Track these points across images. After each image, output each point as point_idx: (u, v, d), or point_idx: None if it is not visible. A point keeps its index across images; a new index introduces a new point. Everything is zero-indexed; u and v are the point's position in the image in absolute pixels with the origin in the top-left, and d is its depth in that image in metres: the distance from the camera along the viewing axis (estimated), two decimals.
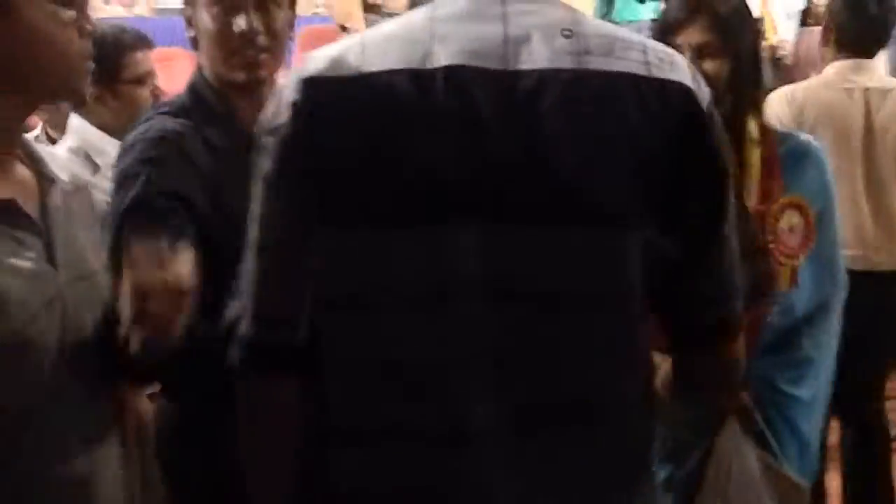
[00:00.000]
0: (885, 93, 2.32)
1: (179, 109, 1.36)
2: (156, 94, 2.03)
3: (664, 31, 1.50)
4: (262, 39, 1.31)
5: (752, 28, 1.58)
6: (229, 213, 1.16)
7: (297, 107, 0.86)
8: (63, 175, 1.13)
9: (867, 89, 2.31)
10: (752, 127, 1.52)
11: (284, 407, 0.90)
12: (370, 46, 0.86)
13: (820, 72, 2.48)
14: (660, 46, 0.91)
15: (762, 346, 1.46)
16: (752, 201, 1.48)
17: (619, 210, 0.84)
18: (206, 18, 1.32)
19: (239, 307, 0.90)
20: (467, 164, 0.83)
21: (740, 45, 1.49)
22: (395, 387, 0.86)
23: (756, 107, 1.55)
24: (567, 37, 0.85)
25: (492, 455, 0.85)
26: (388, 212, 0.84)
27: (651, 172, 0.84)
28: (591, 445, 0.88)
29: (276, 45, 1.34)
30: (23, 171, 1.08)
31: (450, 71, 0.83)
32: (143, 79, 2.01)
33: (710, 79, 1.28)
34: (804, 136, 1.64)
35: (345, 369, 0.88)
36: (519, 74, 0.83)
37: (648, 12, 4.60)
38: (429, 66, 0.83)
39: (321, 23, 6.28)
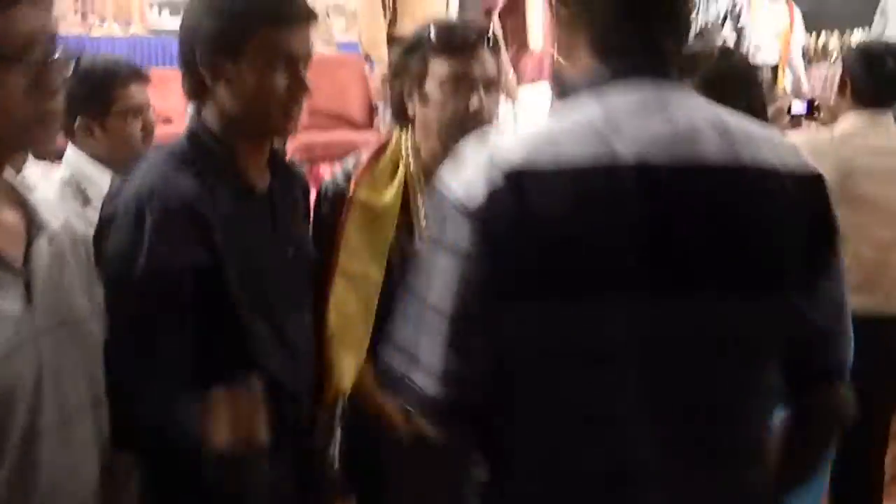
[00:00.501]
0: None
1: (184, 159, 1.33)
2: (147, 127, 1.96)
3: None
4: (486, 117, 1.53)
5: (748, 90, 1.65)
6: (241, 270, 1.27)
7: (495, 191, 0.96)
8: (55, 222, 1.11)
9: None
10: None
11: (459, 455, 1.05)
12: (559, 139, 0.98)
13: (834, 119, 2.51)
14: (782, 137, 1.12)
15: None
16: None
17: (772, 276, 1.01)
18: (437, 94, 1.53)
19: (404, 360, 1.01)
20: (645, 243, 0.96)
21: (735, 108, 1.49)
22: (570, 434, 1.00)
23: None
24: (722, 131, 1.00)
25: (653, 493, 1.00)
26: (573, 284, 0.96)
27: (796, 240, 1.01)
28: (739, 488, 1.04)
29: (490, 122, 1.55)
30: (8, 216, 1.06)
31: (634, 162, 0.96)
32: (133, 112, 1.95)
33: None
34: None
35: (525, 419, 1.01)
36: (691, 165, 0.98)
37: None
38: (613, 157, 0.96)
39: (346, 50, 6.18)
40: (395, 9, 4.00)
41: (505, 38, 4.28)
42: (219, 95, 1.34)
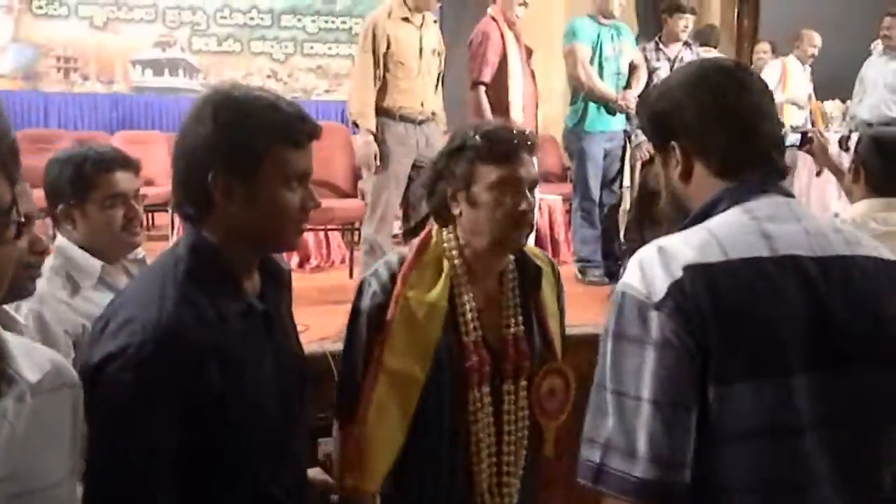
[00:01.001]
0: None
1: (191, 281, 1.28)
2: (131, 215, 1.89)
3: (648, 198, 1.77)
4: (532, 217, 1.63)
5: None
6: (244, 391, 1.27)
7: (674, 284, 1.10)
8: (34, 373, 1.00)
9: None
10: None
11: None
12: (723, 240, 1.15)
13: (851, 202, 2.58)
14: (860, 234, 1.27)
15: None
16: None
17: None
18: (486, 197, 1.59)
19: (615, 454, 1.10)
20: (811, 327, 1.12)
21: None
22: (765, 498, 1.12)
23: None
24: (835, 231, 1.21)
25: None
26: (763, 366, 1.09)
27: None
28: None
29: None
30: None
31: (786, 258, 1.14)
32: (114, 199, 1.86)
33: None
34: None
35: (724, 495, 1.11)
36: (828, 259, 1.16)
37: (618, 124, 4.72)
38: (770, 254, 1.13)
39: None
40: (384, 79, 4.03)
41: (492, 110, 4.35)
42: (227, 212, 1.29)
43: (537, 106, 4.59)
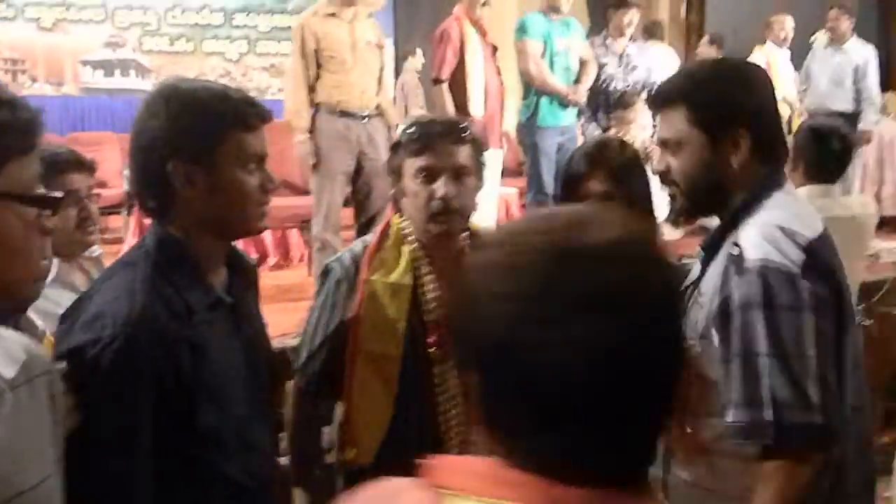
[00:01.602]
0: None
1: (156, 268, 1.31)
2: (85, 214, 1.91)
3: (570, 182, 1.77)
4: (455, 203, 1.65)
5: (643, 176, 1.79)
6: (212, 380, 1.30)
7: (813, 256, 1.33)
8: (10, 368, 0.98)
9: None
10: None
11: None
12: (805, 217, 1.41)
13: None
14: None
15: None
16: None
17: None
18: (412, 187, 1.66)
19: (788, 408, 1.26)
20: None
21: (635, 191, 1.74)
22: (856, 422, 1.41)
23: None
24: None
25: None
26: (851, 315, 1.41)
27: None
28: None
29: (465, 208, 1.69)
30: None
31: (826, 229, 1.42)
32: (68, 199, 1.85)
33: None
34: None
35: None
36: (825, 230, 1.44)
37: (569, 118, 4.80)
38: (823, 226, 1.42)
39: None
40: (320, 76, 4.10)
41: (455, 105, 4.43)
42: (189, 202, 1.31)
43: (503, 101, 4.65)
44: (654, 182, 4.38)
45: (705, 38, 6.50)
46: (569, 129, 4.83)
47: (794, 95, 6.17)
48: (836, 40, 5.89)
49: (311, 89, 4.10)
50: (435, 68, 4.48)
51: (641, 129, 4.87)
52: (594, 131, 4.90)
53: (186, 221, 1.32)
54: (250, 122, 1.33)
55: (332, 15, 4.14)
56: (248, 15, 8.65)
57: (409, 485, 0.71)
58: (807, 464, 1.29)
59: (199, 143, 1.29)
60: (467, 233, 1.74)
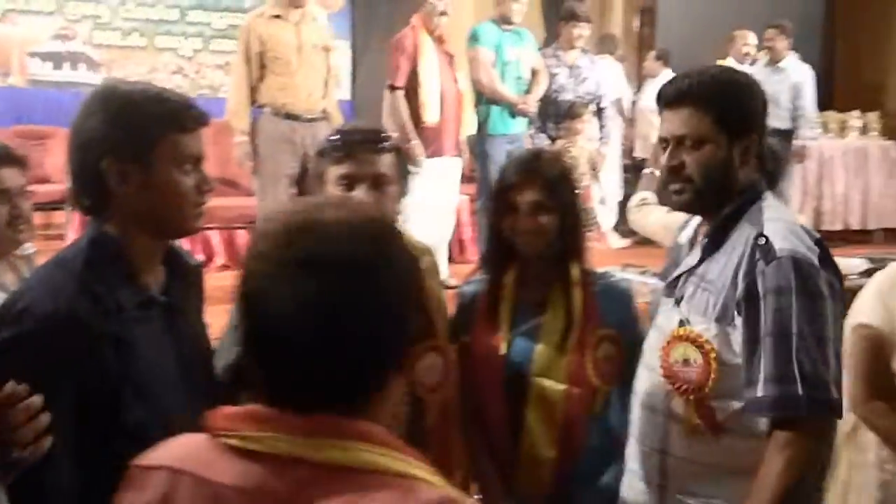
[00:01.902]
0: None
1: (87, 266, 1.32)
2: (17, 212, 1.88)
3: (504, 190, 1.79)
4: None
5: (573, 189, 1.86)
6: (139, 378, 1.30)
7: (825, 252, 1.51)
8: None
9: None
10: (575, 271, 1.78)
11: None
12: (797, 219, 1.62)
13: None
14: None
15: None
16: (575, 334, 1.74)
17: None
18: (333, 192, 1.67)
19: (813, 385, 1.41)
20: None
21: (565, 202, 1.78)
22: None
23: (578, 253, 1.81)
24: None
25: None
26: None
27: None
28: None
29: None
30: None
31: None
32: None
33: (544, 231, 1.73)
34: (615, 276, 1.88)
35: None
36: None
37: (519, 126, 4.88)
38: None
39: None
40: (264, 77, 4.13)
41: (411, 113, 4.49)
42: (124, 200, 1.33)
43: (460, 108, 4.72)
44: (598, 194, 4.43)
45: (652, 54, 6.63)
46: (518, 138, 4.90)
47: None
48: (774, 59, 6.07)
49: (254, 90, 4.10)
50: (390, 76, 4.54)
51: (588, 140, 4.96)
52: (543, 141, 4.97)
53: (122, 220, 1.34)
54: (186, 124, 1.36)
55: (278, 17, 4.16)
56: (203, 12, 8.55)
57: (192, 435, 0.89)
58: (820, 437, 1.48)
59: (135, 142, 1.31)
60: None
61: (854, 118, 6.93)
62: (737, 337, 1.47)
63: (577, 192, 1.86)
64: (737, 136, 1.54)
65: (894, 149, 6.79)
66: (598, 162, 5.02)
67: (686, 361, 1.51)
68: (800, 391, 1.39)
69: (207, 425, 0.87)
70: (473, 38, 4.81)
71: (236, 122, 4.11)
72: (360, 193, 1.65)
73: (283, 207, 0.91)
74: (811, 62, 7.11)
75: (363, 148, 1.68)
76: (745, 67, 6.21)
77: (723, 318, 1.49)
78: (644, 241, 4.52)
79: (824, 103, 7.42)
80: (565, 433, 1.73)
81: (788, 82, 5.96)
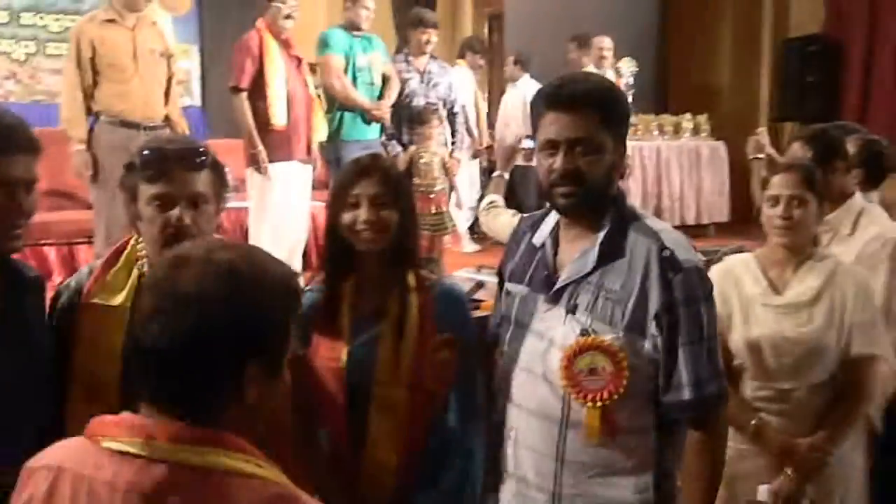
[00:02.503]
0: None
1: None
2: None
3: (343, 186, 1.77)
4: (192, 230, 1.61)
5: (411, 191, 1.89)
6: None
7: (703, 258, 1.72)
8: None
9: None
10: (411, 277, 1.80)
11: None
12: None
13: None
14: None
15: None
16: (413, 340, 1.74)
17: None
18: (146, 212, 1.63)
19: (716, 381, 1.61)
20: None
21: (405, 200, 1.79)
22: None
23: (414, 257, 1.83)
24: None
25: None
26: None
27: None
28: None
29: (202, 235, 1.63)
30: None
31: None
32: None
33: (384, 225, 1.72)
34: (449, 281, 1.90)
35: None
36: None
37: (373, 133, 4.93)
38: None
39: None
40: (98, 83, 3.97)
41: (255, 115, 4.39)
42: None
43: (311, 112, 4.65)
44: (453, 198, 4.45)
45: (510, 59, 6.81)
46: (373, 144, 4.90)
47: None
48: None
49: (90, 97, 3.94)
50: (234, 77, 4.43)
51: (439, 145, 5.06)
52: (396, 148, 5.03)
53: None
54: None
55: (112, 21, 4.00)
56: (37, 15, 8.06)
57: (74, 439, 1.04)
58: (725, 423, 1.74)
59: None
60: None
61: (686, 120, 7.40)
62: (645, 345, 1.55)
63: (413, 195, 1.87)
64: (619, 141, 1.60)
65: (723, 148, 7.31)
66: (451, 166, 5.13)
67: (593, 370, 1.54)
68: (715, 390, 1.59)
69: (88, 430, 1.03)
70: (323, 44, 4.80)
71: (72, 130, 3.92)
72: (175, 213, 1.61)
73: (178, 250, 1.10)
74: (647, 67, 7.56)
75: (179, 166, 1.63)
76: (603, 72, 6.50)
77: (634, 328, 1.55)
78: (497, 243, 4.66)
79: (660, 107, 7.91)
80: (408, 438, 1.75)
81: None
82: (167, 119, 4.13)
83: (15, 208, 1.37)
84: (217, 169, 1.71)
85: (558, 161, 1.56)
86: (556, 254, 1.67)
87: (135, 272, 1.68)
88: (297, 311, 1.12)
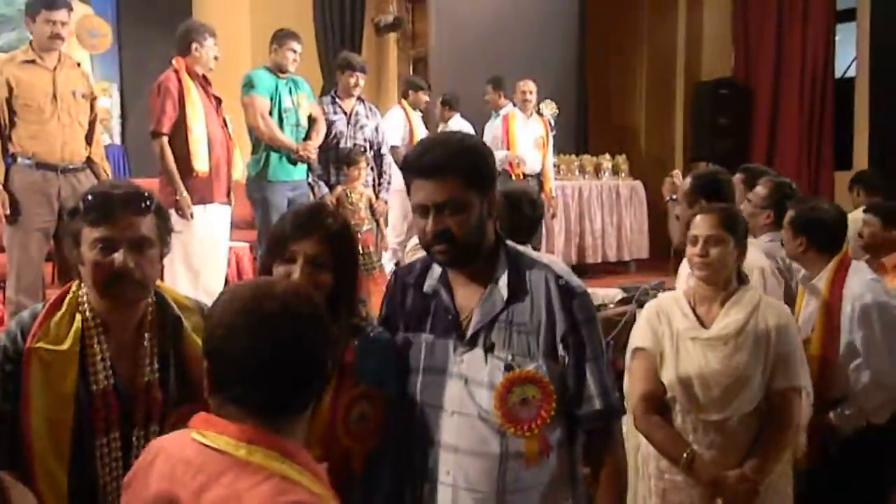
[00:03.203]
0: None
1: None
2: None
3: (281, 239, 1.70)
4: (135, 274, 1.63)
5: (353, 244, 1.81)
6: None
7: None
8: None
9: None
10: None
11: None
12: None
13: None
14: None
15: None
16: (328, 396, 1.64)
17: None
18: (88, 255, 1.62)
19: (611, 388, 1.75)
20: None
21: (344, 258, 1.73)
22: None
23: (347, 310, 1.74)
24: None
25: None
26: None
27: None
28: None
29: (145, 278, 1.66)
30: None
31: None
32: None
33: (320, 287, 1.65)
34: (375, 329, 1.81)
35: None
36: None
37: (300, 173, 4.92)
38: None
39: None
40: (14, 124, 3.86)
41: (177, 159, 4.28)
42: None
43: (230, 153, 4.56)
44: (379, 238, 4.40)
45: (438, 100, 6.91)
46: (300, 185, 4.90)
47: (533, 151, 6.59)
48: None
49: (7, 138, 3.83)
50: (154, 122, 4.30)
51: (365, 185, 5.07)
52: (323, 189, 5.01)
53: None
54: None
55: (32, 62, 3.91)
56: None
57: (181, 431, 1.30)
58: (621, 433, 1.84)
59: None
60: (151, 301, 1.71)
61: (606, 160, 7.63)
62: (558, 367, 1.68)
63: (355, 247, 1.82)
64: (484, 194, 1.69)
65: (641, 188, 7.56)
66: (378, 207, 5.14)
67: (524, 401, 1.63)
68: (617, 397, 1.75)
69: (191, 422, 1.28)
70: (248, 86, 4.77)
71: None
72: (118, 257, 1.60)
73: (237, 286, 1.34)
74: (568, 109, 7.77)
75: (123, 210, 1.62)
76: (526, 114, 6.65)
77: (549, 354, 1.68)
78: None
79: (580, 147, 8.13)
80: None
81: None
82: (90, 161, 4.02)
83: None
84: (161, 214, 1.70)
85: (430, 224, 1.66)
86: (451, 298, 1.74)
87: (78, 317, 1.66)
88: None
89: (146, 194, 1.68)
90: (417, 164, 1.67)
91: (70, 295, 1.69)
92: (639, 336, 2.40)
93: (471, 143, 1.74)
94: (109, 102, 8.91)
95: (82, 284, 1.69)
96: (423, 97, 6.55)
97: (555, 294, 1.69)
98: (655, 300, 2.50)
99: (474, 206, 1.66)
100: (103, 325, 1.67)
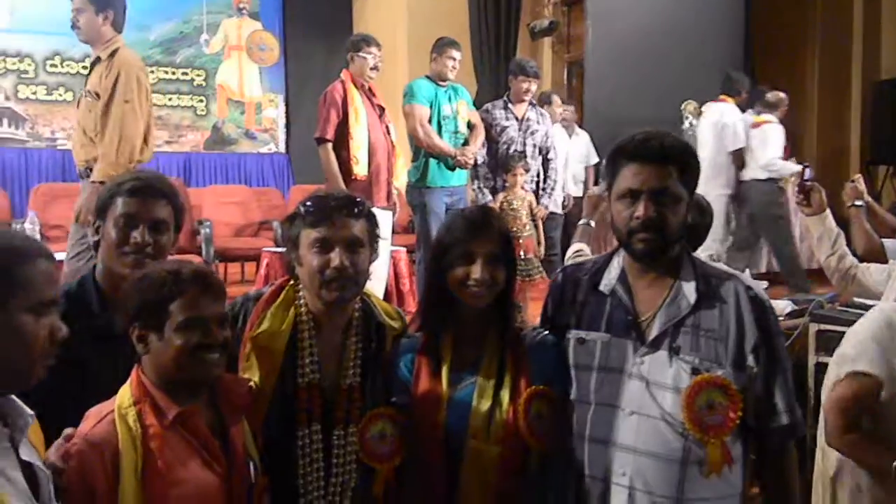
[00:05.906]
0: None
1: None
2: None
3: (458, 236, 1.75)
4: (349, 272, 1.72)
5: (514, 247, 1.85)
6: None
7: None
8: None
9: None
10: (508, 329, 1.78)
11: None
12: None
13: None
14: None
15: None
16: (507, 393, 1.70)
17: None
18: (307, 257, 1.74)
19: (796, 403, 1.69)
20: None
21: (512, 258, 1.80)
22: None
23: (513, 311, 1.80)
24: None
25: None
26: None
27: None
28: None
29: (358, 276, 1.75)
30: None
31: None
32: None
33: (497, 283, 1.72)
34: (539, 331, 1.82)
35: None
36: None
37: (458, 179, 4.97)
38: None
39: None
40: None
41: (340, 164, 4.49)
42: None
43: (391, 159, 4.74)
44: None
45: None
46: (458, 191, 4.96)
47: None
48: None
49: None
50: (318, 129, 4.56)
51: (525, 192, 5.04)
52: (486, 195, 5.04)
53: None
54: None
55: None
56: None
57: None
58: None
59: None
60: (358, 306, 1.80)
61: None
62: (743, 378, 1.63)
63: (515, 250, 1.85)
64: (691, 193, 1.70)
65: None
66: (539, 212, 5.10)
67: (711, 406, 1.60)
68: (801, 413, 1.70)
69: None
70: (409, 95, 4.88)
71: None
72: (335, 256, 1.71)
73: None
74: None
75: (339, 213, 1.73)
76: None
77: (737, 363, 1.63)
78: None
79: None
80: (500, 495, 1.69)
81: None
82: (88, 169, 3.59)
83: None
84: (372, 219, 1.81)
85: (640, 209, 1.63)
86: (631, 299, 1.71)
87: (292, 312, 1.77)
88: None
89: (359, 199, 1.80)
90: (642, 148, 1.66)
91: (286, 290, 1.81)
92: (863, 357, 2.05)
93: (686, 142, 1.76)
94: (276, 113, 9.41)
95: (296, 283, 1.80)
96: (565, 112, 6.53)
97: (745, 304, 1.65)
98: (879, 317, 2.11)
99: (684, 200, 1.67)
100: (315, 323, 1.77)
